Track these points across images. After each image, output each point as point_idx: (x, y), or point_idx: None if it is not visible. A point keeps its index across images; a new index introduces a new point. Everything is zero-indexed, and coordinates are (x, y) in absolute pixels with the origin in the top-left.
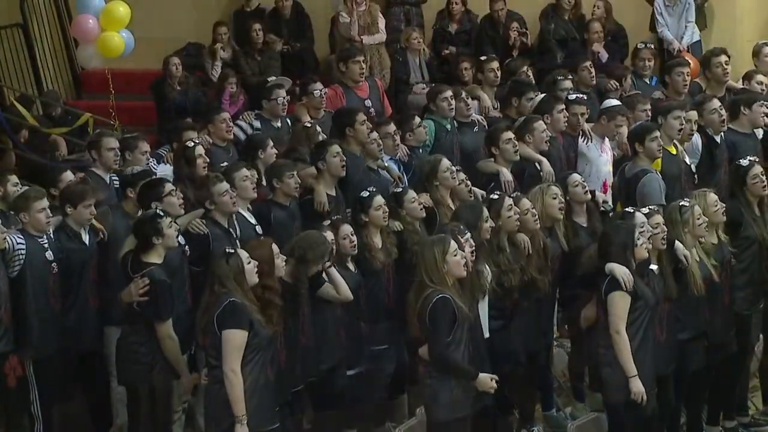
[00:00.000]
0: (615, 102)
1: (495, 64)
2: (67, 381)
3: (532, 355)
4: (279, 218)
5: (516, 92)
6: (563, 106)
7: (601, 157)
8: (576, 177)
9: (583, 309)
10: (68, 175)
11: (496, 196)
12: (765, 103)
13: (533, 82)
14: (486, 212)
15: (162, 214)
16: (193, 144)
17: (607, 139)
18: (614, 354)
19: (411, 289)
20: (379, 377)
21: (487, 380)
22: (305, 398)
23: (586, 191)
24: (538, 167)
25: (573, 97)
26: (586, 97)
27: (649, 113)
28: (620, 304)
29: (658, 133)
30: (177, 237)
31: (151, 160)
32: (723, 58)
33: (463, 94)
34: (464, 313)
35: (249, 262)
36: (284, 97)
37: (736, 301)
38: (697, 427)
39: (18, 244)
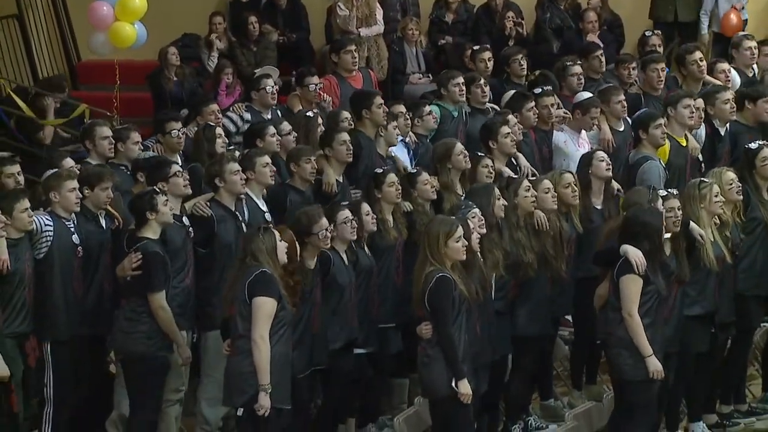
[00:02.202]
0: (587, 95)
1: (487, 54)
2: (81, 365)
3: (539, 340)
4: (295, 202)
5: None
6: (533, 104)
7: (578, 152)
8: (602, 153)
9: (598, 287)
10: (69, 162)
11: (515, 176)
12: None
13: (526, 73)
14: (497, 191)
15: (158, 190)
16: (214, 124)
17: (584, 133)
18: (624, 335)
19: (416, 264)
20: (384, 356)
21: (467, 389)
22: (316, 383)
23: (609, 168)
24: (515, 162)
25: (539, 90)
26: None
27: (624, 104)
28: (632, 287)
29: (662, 121)
30: (179, 217)
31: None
32: (697, 54)
33: (481, 81)
34: (464, 295)
35: (281, 240)
36: (273, 86)
37: (738, 281)
38: (696, 415)
39: (46, 225)
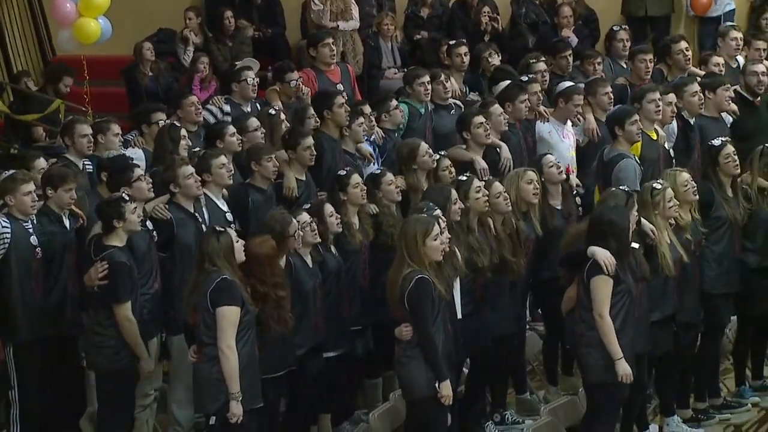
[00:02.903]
0: (568, 83)
1: (463, 49)
2: (46, 367)
3: (506, 338)
4: (257, 202)
5: (497, 79)
6: (526, 96)
7: (563, 143)
8: (550, 158)
9: (566, 290)
10: (41, 162)
11: (464, 178)
12: (729, 87)
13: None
14: (455, 194)
15: (127, 198)
16: (179, 125)
17: (569, 124)
18: (594, 336)
19: (392, 266)
20: (353, 358)
21: (448, 391)
22: (284, 383)
23: (561, 172)
24: (498, 152)
25: (525, 78)
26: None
27: (611, 96)
28: (603, 288)
29: (637, 117)
30: (142, 222)
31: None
32: (683, 44)
33: (442, 77)
34: (441, 294)
35: (237, 241)
36: (253, 78)
37: (706, 280)
38: (668, 410)
39: (3, 227)
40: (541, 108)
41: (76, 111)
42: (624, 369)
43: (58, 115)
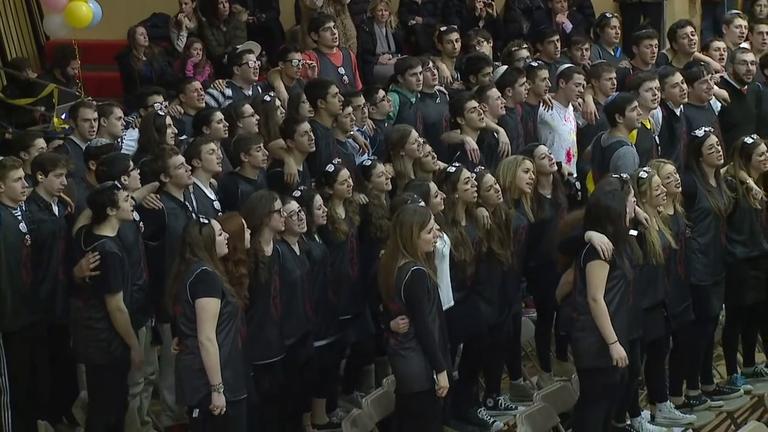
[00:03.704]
0: (567, 64)
1: (454, 35)
2: (36, 354)
3: (497, 325)
4: (246, 192)
5: (473, 69)
6: (525, 79)
7: (564, 126)
8: (543, 149)
9: (563, 276)
10: (41, 142)
11: (453, 169)
12: (708, 78)
13: (487, 54)
14: (434, 188)
15: (119, 186)
16: (163, 113)
17: (571, 107)
18: (588, 321)
19: (384, 254)
20: (343, 347)
21: (446, 382)
22: (277, 370)
23: (552, 163)
24: (496, 136)
25: (535, 63)
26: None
27: (614, 82)
28: (599, 272)
29: (637, 104)
30: (132, 212)
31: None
32: (689, 29)
33: (430, 64)
34: (435, 285)
35: (220, 234)
36: (255, 62)
37: (693, 272)
38: (661, 396)
39: None
40: (547, 96)
41: (70, 95)
42: (619, 352)
43: (52, 99)
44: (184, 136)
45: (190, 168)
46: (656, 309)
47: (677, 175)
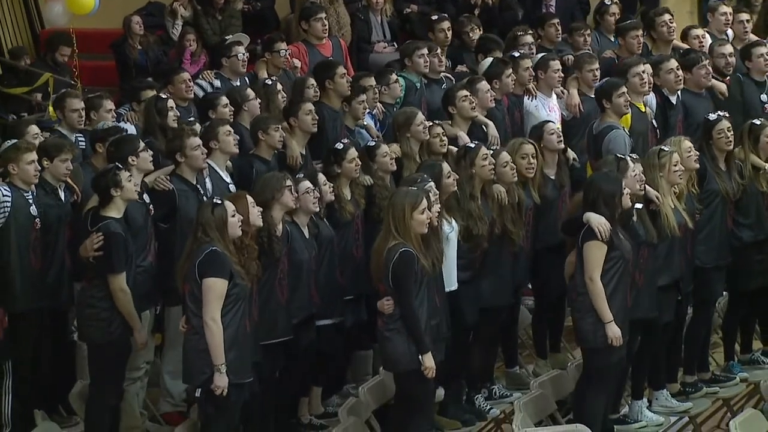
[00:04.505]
0: (541, 54)
1: (446, 24)
2: (41, 339)
3: (503, 309)
4: (261, 172)
5: (484, 50)
6: (511, 70)
7: (549, 116)
8: (552, 126)
9: (568, 255)
10: (34, 128)
11: (472, 145)
12: (705, 64)
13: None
14: (447, 168)
15: (121, 167)
16: (165, 96)
17: (555, 97)
18: (587, 301)
19: (378, 237)
20: (343, 328)
21: (431, 363)
22: (279, 353)
23: (560, 141)
24: (485, 129)
25: (517, 54)
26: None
27: (597, 73)
28: (596, 252)
29: (624, 89)
30: (141, 193)
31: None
32: (666, 17)
33: (438, 50)
34: (426, 270)
35: (234, 215)
36: (244, 54)
37: (697, 254)
38: (658, 384)
39: (4, 195)
40: (530, 85)
41: (66, 84)
42: (614, 332)
43: (47, 88)
44: (191, 118)
45: (206, 151)
46: (670, 290)
47: (695, 151)
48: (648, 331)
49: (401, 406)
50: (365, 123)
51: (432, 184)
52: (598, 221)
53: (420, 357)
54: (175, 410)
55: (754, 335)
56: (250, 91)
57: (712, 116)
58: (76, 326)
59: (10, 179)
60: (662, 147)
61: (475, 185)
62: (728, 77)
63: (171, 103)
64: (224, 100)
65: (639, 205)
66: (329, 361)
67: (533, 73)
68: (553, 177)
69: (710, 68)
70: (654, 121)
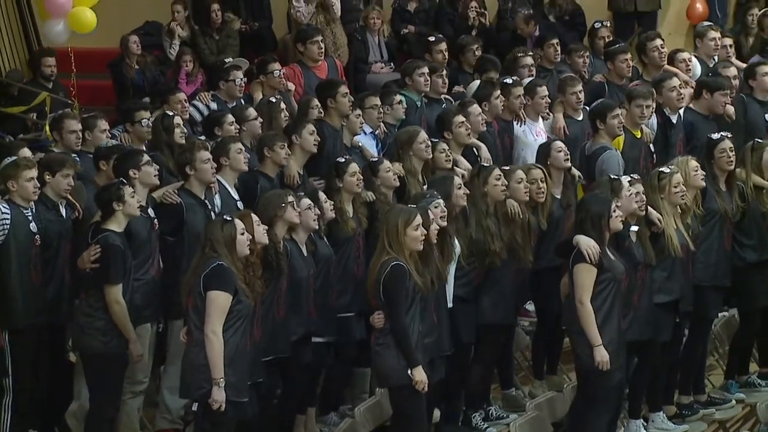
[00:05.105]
0: (528, 80)
1: (443, 45)
2: (40, 356)
3: (504, 327)
4: (266, 189)
5: (481, 70)
6: (499, 92)
7: (536, 141)
8: (560, 143)
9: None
10: (26, 151)
11: (486, 164)
12: (728, 92)
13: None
14: (458, 181)
15: (125, 182)
16: (172, 114)
17: (541, 122)
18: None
19: (375, 253)
20: (345, 345)
21: (422, 377)
22: (276, 372)
23: (567, 159)
24: (476, 152)
25: (509, 80)
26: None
27: (580, 95)
28: (585, 275)
29: (619, 111)
30: (144, 209)
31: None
32: (658, 42)
33: (443, 71)
34: (419, 287)
35: (243, 233)
36: (241, 79)
37: (695, 272)
38: (654, 406)
39: (3, 213)
40: (521, 111)
41: (63, 104)
42: (602, 356)
43: (44, 107)
44: (202, 137)
45: (215, 165)
46: (669, 310)
47: (701, 171)
48: (646, 351)
49: (395, 424)
50: (360, 144)
51: (440, 201)
52: (587, 244)
53: (410, 371)
54: (172, 427)
55: (751, 358)
56: (251, 111)
57: (715, 136)
58: (72, 340)
59: (9, 196)
60: (661, 169)
61: (489, 202)
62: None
63: (178, 120)
64: (230, 117)
65: (635, 228)
66: (317, 377)
67: (524, 101)
68: (558, 196)
69: (729, 98)
70: (652, 146)
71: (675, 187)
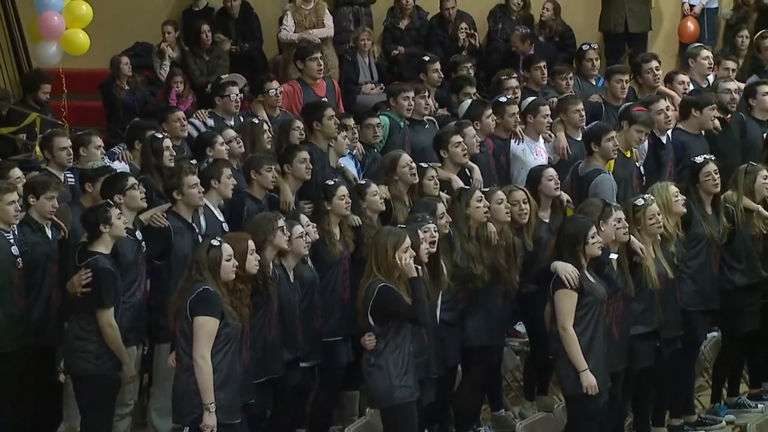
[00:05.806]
0: (531, 99)
1: (437, 65)
2: (27, 377)
3: (492, 349)
4: (252, 211)
5: (456, 89)
6: (491, 111)
7: (536, 161)
8: (551, 171)
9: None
10: (16, 172)
11: (468, 188)
12: (715, 106)
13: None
14: (441, 208)
15: (112, 204)
16: (161, 136)
17: (542, 141)
18: (563, 349)
19: (363, 275)
20: (332, 369)
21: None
22: (267, 394)
23: (557, 188)
24: (468, 174)
25: (504, 99)
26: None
27: (582, 113)
28: (566, 302)
29: (614, 134)
30: (131, 231)
31: (105, 155)
32: (653, 63)
33: (426, 93)
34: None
35: (229, 259)
36: (237, 94)
37: (683, 296)
38: (644, 428)
39: None
40: (518, 129)
41: (52, 124)
42: (588, 381)
43: (34, 128)
44: (193, 161)
45: (203, 190)
46: (648, 337)
47: (681, 196)
48: (625, 378)
49: None
50: (342, 165)
51: (431, 225)
52: (564, 269)
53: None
54: None
55: (741, 379)
56: (228, 132)
57: (699, 159)
58: (63, 362)
59: None
60: (635, 201)
61: (471, 226)
62: (729, 115)
63: (167, 142)
64: (221, 138)
65: (614, 256)
66: (312, 401)
67: (519, 119)
68: (546, 220)
69: (716, 112)
70: (642, 167)
71: (650, 219)
